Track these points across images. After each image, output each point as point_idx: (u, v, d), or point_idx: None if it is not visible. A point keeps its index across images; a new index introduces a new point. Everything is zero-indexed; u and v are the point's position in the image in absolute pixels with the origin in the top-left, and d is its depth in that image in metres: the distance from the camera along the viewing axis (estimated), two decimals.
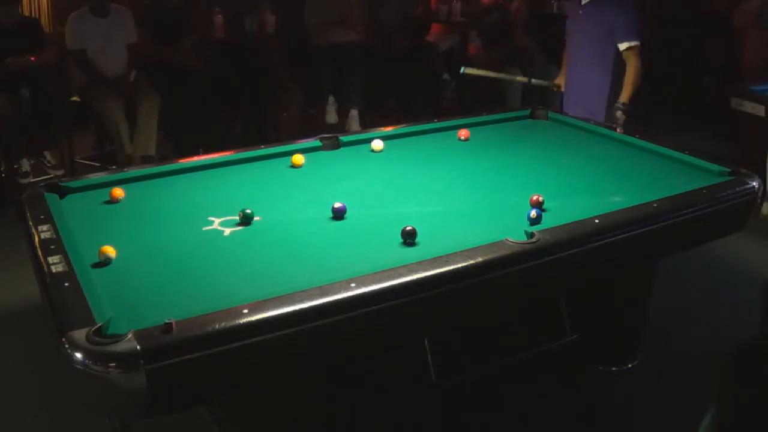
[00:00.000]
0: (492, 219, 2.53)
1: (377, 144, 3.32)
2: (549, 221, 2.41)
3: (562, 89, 4.23)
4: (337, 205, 2.53)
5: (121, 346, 1.67)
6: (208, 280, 2.10)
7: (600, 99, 3.99)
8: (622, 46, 3.87)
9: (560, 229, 2.33)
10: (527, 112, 3.91)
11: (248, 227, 2.48)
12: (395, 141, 3.48)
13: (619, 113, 3.77)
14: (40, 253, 2.16)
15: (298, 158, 3.10)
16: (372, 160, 3.23)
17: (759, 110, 4.97)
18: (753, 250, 4.20)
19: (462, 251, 2.15)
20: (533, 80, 4.46)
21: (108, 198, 2.72)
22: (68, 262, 2.08)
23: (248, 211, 2.50)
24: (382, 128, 3.63)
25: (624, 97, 3.85)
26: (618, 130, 3.50)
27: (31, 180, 5.14)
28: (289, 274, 2.10)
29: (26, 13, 6.03)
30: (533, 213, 2.42)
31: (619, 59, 3.93)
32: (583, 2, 3.99)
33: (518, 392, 2.94)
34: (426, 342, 2.48)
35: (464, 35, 7.54)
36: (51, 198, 2.65)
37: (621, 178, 2.95)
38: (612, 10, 3.88)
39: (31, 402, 2.92)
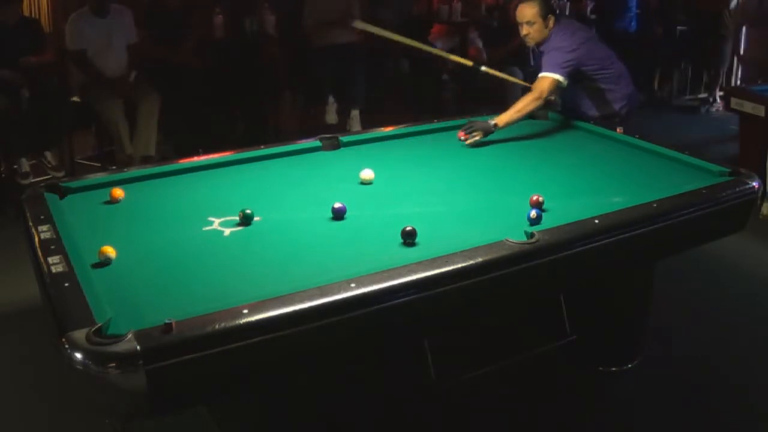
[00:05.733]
0: (492, 219, 2.53)
1: (367, 174, 2.92)
2: (549, 221, 2.41)
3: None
4: (337, 205, 2.53)
5: (121, 347, 1.67)
6: (208, 281, 2.10)
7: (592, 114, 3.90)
8: (540, 74, 3.63)
9: (560, 230, 2.33)
10: None
11: (248, 227, 2.48)
12: (395, 141, 3.48)
13: (477, 137, 3.43)
14: (40, 253, 2.16)
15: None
16: (372, 161, 3.22)
17: (759, 110, 4.98)
18: (753, 250, 4.20)
19: (462, 251, 2.14)
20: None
21: (108, 198, 2.72)
22: (68, 262, 2.08)
23: (248, 211, 2.49)
24: (382, 128, 3.63)
25: (501, 120, 3.48)
26: (618, 129, 3.49)
27: (31, 180, 5.14)
28: (289, 274, 2.10)
29: (26, 13, 6.03)
30: (533, 213, 2.42)
31: (592, 89, 3.79)
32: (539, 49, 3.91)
33: (518, 392, 2.94)
34: (426, 342, 2.49)
35: (464, 36, 7.55)
36: (51, 198, 2.65)
37: (621, 178, 2.95)
38: (545, 53, 3.73)
39: (31, 402, 2.92)
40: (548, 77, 3.59)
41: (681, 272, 3.79)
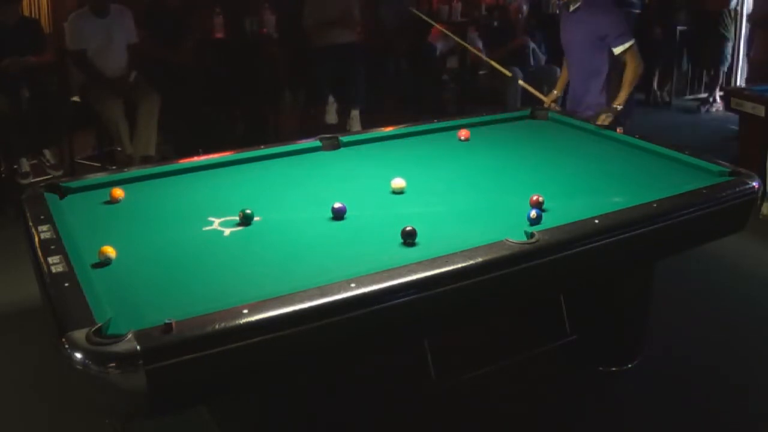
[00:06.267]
0: (492, 219, 2.53)
1: (398, 183, 2.82)
2: (549, 221, 2.41)
3: (555, 107, 4.16)
4: (337, 205, 2.53)
5: (120, 347, 1.67)
6: (208, 281, 2.10)
7: (599, 102, 3.97)
8: (617, 50, 3.88)
9: (560, 230, 2.33)
10: (527, 112, 3.91)
11: (248, 227, 2.48)
12: (395, 141, 3.48)
13: (610, 118, 3.65)
14: (40, 253, 2.16)
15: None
16: (372, 161, 3.23)
17: (759, 110, 4.97)
18: (753, 250, 4.20)
19: (462, 251, 2.14)
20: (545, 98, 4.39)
21: (108, 198, 2.72)
22: (68, 262, 2.08)
23: (248, 211, 2.49)
24: (382, 128, 3.63)
25: (620, 99, 3.83)
26: (618, 129, 3.50)
27: (31, 180, 5.14)
28: (289, 274, 2.10)
29: (26, 13, 6.03)
30: (533, 213, 2.42)
31: (614, 60, 3.95)
32: (571, 9, 3.99)
33: (518, 392, 2.94)
34: (426, 342, 2.48)
35: (464, 36, 7.55)
36: (51, 198, 2.65)
37: (621, 178, 2.95)
38: (598, 16, 3.90)
39: (31, 402, 2.92)
40: (631, 45, 3.87)
41: (681, 272, 3.79)
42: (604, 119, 3.59)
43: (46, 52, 5.30)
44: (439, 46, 7.41)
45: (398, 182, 2.81)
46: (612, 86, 3.97)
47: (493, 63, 4.93)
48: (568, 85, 4.29)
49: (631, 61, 3.87)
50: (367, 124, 6.14)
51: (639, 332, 3.13)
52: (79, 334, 1.71)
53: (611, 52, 3.90)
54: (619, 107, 3.77)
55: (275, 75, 6.51)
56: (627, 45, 3.86)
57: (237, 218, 2.51)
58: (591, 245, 2.36)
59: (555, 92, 4.25)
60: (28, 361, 3.16)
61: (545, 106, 4.07)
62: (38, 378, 3.01)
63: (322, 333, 1.90)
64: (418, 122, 3.78)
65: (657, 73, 8.04)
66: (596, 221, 2.40)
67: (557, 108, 4.10)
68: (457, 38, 5.66)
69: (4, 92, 4.94)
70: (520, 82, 4.72)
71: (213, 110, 6.03)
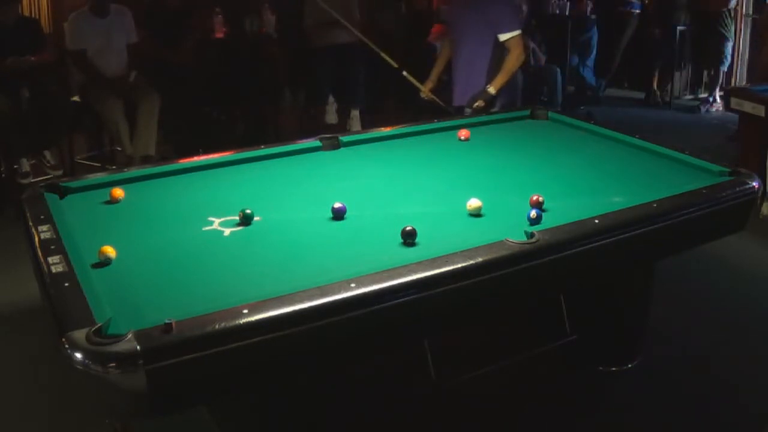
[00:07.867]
0: (492, 219, 2.53)
1: (474, 203, 2.53)
2: (549, 221, 2.41)
3: (431, 96, 4.26)
4: (337, 205, 2.53)
5: (120, 346, 1.67)
6: (208, 281, 2.10)
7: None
8: (503, 38, 3.97)
9: (560, 230, 2.33)
10: (527, 112, 3.91)
11: (248, 227, 2.48)
12: (395, 141, 3.48)
13: (480, 102, 3.83)
14: (40, 253, 2.16)
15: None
16: (372, 160, 3.23)
17: (759, 110, 4.97)
18: (753, 250, 4.20)
19: (462, 251, 2.14)
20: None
21: (108, 198, 2.72)
22: (68, 262, 2.08)
23: (248, 211, 2.49)
24: (382, 128, 3.63)
25: (495, 85, 3.92)
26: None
27: (31, 180, 5.15)
28: (289, 274, 2.10)
29: (26, 13, 6.04)
30: (533, 213, 2.42)
31: (501, 49, 4.07)
32: None
33: (518, 392, 2.94)
34: (426, 342, 2.48)
35: None
36: (51, 198, 2.65)
37: (621, 178, 2.94)
38: (491, 3, 4.01)
39: (31, 402, 2.92)
40: (518, 34, 3.97)
41: (681, 272, 3.79)
42: (480, 104, 3.72)
43: (46, 51, 5.30)
44: (439, 46, 7.40)
45: (474, 203, 2.53)
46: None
47: (384, 55, 4.95)
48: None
49: (516, 49, 3.96)
50: (367, 124, 6.14)
51: (639, 332, 3.13)
52: (79, 334, 1.71)
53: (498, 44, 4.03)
54: (493, 92, 3.86)
55: (275, 75, 6.51)
56: (514, 33, 3.97)
57: (237, 218, 2.50)
58: (591, 245, 2.36)
59: (430, 82, 4.35)
60: (28, 361, 3.16)
61: (422, 95, 4.19)
62: (38, 378, 3.01)
63: (322, 333, 1.90)
64: (418, 122, 3.78)
65: (657, 73, 8.03)
66: (596, 221, 2.40)
67: (432, 97, 4.25)
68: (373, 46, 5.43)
69: (4, 92, 4.95)
70: (404, 73, 4.74)
71: (213, 110, 6.03)
